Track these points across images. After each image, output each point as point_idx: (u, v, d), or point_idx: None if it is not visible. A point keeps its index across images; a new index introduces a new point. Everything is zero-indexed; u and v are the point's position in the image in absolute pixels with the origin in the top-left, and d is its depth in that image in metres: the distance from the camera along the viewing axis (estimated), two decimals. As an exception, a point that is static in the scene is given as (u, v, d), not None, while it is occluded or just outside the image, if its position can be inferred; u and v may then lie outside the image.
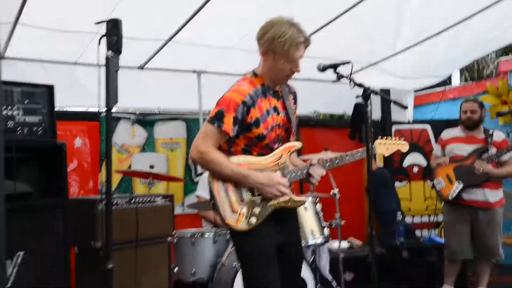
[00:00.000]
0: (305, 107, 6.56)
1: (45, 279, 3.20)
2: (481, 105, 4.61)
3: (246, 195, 2.50)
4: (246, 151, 2.54)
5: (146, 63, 4.84)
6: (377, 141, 2.90)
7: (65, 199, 3.35)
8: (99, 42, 2.36)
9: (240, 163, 2.50)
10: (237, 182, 2.48)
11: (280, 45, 2.42)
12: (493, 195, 4.46)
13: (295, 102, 2.79)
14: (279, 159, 2.57)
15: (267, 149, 2.56)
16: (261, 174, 2.47)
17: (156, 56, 4.71)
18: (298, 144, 2.64)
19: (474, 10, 4.53)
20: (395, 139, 2.96)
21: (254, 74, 2.61)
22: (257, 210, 2.49)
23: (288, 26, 2.45)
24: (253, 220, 2.46)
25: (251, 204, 2.49)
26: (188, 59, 4.90)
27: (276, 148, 2.59)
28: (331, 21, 4.38)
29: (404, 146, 2.99)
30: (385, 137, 2.94)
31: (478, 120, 4.58)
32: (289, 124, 2.66)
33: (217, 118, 2.43)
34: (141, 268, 3.88)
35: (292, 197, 2.54)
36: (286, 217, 2.66)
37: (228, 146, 2.55)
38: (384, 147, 2.91)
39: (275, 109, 2.60)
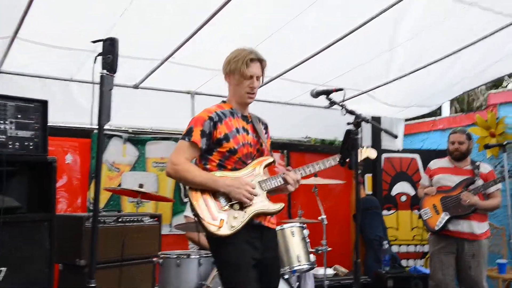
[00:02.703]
0: (296, 131, 6.63)
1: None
2: (469, 137, 4.64)
3: (225, 203, 2.62)
4: (221, 166, 2.70)
5: (141, 82, 4.86)
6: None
7: (53, 215, 3.32)
8: (95, 60, 2.38)
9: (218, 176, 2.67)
10: (212, 190, 2.61)
11: (234, 64, 2.73)
12: (479, 227, 4.47)
13: (266, 132, 2.96)
14: (253, 171, 2.73)
15: (241, 163, 2.72)
16: (230, 178, 2.63)
17: (151, 75, 4.74)
18: (270, 158, 2.81)
19: (465, 43, 4.61)
20: (365, 148, 3.01)
21: (223, 101, 2.86)
22: (236, 214, 2.60)
23: (242, 50, 2.77)
24: (234, 223, 2.57)
25: (230, 211, 2.60)
26: (183, 80, 4.94)
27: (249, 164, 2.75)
28: (325, 48, 4.44)
29: (372, 153, 3.05)
30: None
31: (466, 151, 4.60)
32: (260, 146, 2.83)
33: (187, 133, 2.67)
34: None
35: (270, 202, 2.69)
36: (267, 236, 2.76)
37: (204, 163, 2.72)
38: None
39: (244, 129, 2.78)
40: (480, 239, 4.46)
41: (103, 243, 3.63)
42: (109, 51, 2.34)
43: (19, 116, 3.21)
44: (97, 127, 2.42)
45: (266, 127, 2.97)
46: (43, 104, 3.29)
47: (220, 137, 2.65)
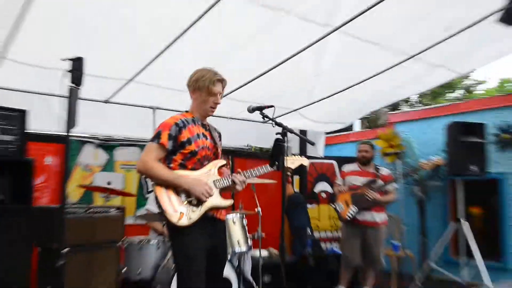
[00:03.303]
0: (240, 141, 6.63)
1: (6, 278, 2.99)
2: (373, 147, 4.84)
3: (185, 198, 2.55)
4: (182, 165, 2.63)
5: (110, 97, 4.74)
6: (286, 158, 2.97)
7: (30, 206, 3.18)
8: (65, 75, 2.31)
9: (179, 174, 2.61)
10: (174, 186, 2.54)
11: (202, 83, 2.69)
12: (379, 217, 4.63)
13: (220, 140, 2.92)
14: (209, 171, 2.69)
15: (199, 164, 2.67)
16: (192, 178, 2.58)
17: (120, 92, 4.62)
18: (223, 161, 2.78)
19: (372, 72, 4.75)
20: (299, 157, 3.06)
21: (186, 111, 2.81)
22: (194, 209, 2.55)
23: (207, 71, 2.74)
24: (192, 215, 2.52)
25: (189, 205, 2.55)
26: (146, 96, 4.84)
27: (206, 165, 2.71)
28: (262, 74, 4.48)
29: (305, 161, 3.08)
30: (292, 155, 3.05)
31: (370, 158, 4.79)
32: (216, 150, 2.78)
33: (156, 136, 2.59)
34: (94, 268, 3.71)
35: (222, 199, 2.66)
36: (219, 226, 2.73)
37: (167, 162, 2.64)
38: (290, 161, 2.99)
39: (204, 135, 2.74)
40: (380, 226, 4.62)
41: (74, 230, 3.50)
42: (77, 68, 2.27)
43: (3, 123, 3.06)
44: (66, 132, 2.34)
45: (219, 136, 2.93)
46: (22, 113, 3.16)
47: (184, 140, 2.59)
